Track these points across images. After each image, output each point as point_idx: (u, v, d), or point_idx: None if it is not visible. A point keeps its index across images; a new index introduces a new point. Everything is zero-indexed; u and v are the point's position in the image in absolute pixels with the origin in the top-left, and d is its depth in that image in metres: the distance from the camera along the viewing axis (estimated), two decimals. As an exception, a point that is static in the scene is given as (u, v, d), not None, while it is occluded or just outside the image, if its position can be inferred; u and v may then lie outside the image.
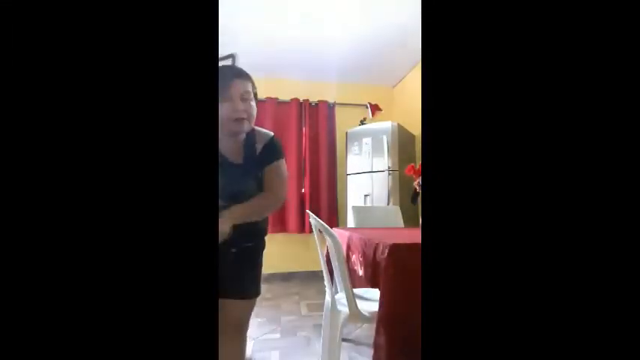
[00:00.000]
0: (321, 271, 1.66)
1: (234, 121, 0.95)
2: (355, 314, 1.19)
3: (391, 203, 2.77)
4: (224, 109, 0.92)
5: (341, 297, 1.32)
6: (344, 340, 1.82)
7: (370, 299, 1.35)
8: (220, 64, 1.02)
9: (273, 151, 1.04)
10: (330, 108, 3.59)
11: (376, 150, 2.97)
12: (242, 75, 0.98)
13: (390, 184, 2.83)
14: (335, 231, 1.50)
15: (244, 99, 0.96)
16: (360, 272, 1.28)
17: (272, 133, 1.07)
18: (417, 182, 1.86)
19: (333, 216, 3.47)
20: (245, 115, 0.96)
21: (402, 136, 2.98)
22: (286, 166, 1.08)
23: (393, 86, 3.80)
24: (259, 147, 1.03)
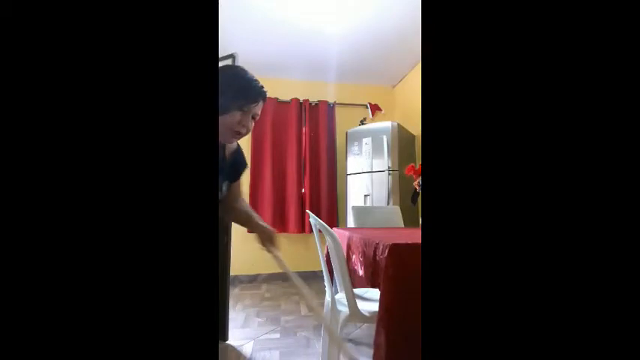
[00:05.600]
0: (321, 271, 1.66)
1: (233, 132, 0.95)
2: (355, 314, 1.19)
3: (391, 203, 2.77)
4: (233, 118, 0.92)
5: (341, 297, 1.32)
6: (344, 340, 1.82)
7: (370, 299, 1.35)
8: (220, 63, 1.02)
9: (242, 163, 1.12)
10: (330, 108, 3.59)
11: (376, 150, 2.97)
12: (265, 98, 1.00)
13: (390, 184, 2.83)
14: (335, 231, 1.50)
15: (253, 119, 0.99)
16: (360, 272, 1.28)
17: (236, 144, 1.11)
18: (417, 182, 1.86)
19: (333, 216, 3.47)
20: (244, 132, 0.98)
21: (402, 136, 2.98)
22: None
23: (393, 86, 3.80)
24: (228, 158, 1.06)
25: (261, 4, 2.29)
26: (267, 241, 1.09)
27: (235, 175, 1.11)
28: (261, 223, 1.11)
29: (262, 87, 0.98)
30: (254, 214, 1.14)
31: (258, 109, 0.98)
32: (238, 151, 1.11)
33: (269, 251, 1.09)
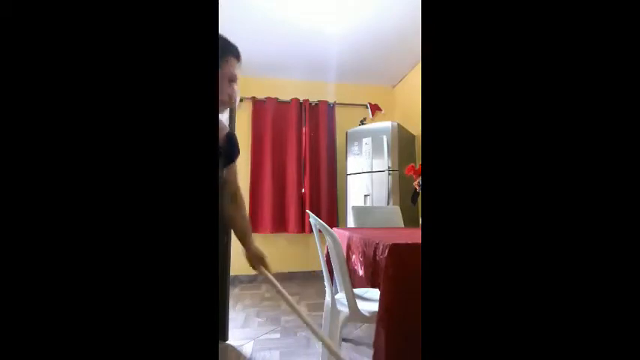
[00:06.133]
0: (321, 271, 1.66)
1: None
2: (355, 314, 1.19)
3: (391, 203, 2.77)
4: None
5: (341, 297, 1.32)
6: (344, 340, 1.82)
7: (370, 299, 1.35)
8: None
9: (234, 147, 0.99)
10: (330, 108, 3.59)
11: (376, 150, 2.97)
12: (237, 55, 0.87)
13: (390, 184, 2.83)
14: (335, 231, 1.50)
15: (231, 81, 0.86)
16: (360, 272, 1.28)
17: (228, 127, 1.00)
18: (417, 182, 1.86)
19: (333, 216, 3.47)
20: (227, 98, 0.85)
21: (402, 136, 2.99)
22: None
23: (394, 86, 3.80)
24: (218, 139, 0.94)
25: (261, 4, 2.29)
26: (258, 263, 1.07)
27: (226, 161, 0.99)
28: (253, 244, 1.08)
29: (227, 40, 0.84)
30: (249, 230, 1.10)
31: (230, 68, 0.84)
32: (230, 135, 1.00)
33: (261, 273, 1.07)
